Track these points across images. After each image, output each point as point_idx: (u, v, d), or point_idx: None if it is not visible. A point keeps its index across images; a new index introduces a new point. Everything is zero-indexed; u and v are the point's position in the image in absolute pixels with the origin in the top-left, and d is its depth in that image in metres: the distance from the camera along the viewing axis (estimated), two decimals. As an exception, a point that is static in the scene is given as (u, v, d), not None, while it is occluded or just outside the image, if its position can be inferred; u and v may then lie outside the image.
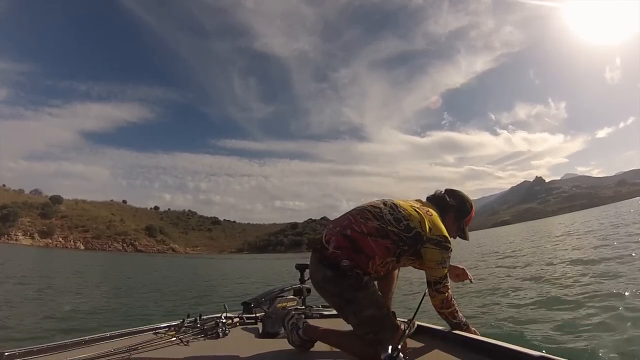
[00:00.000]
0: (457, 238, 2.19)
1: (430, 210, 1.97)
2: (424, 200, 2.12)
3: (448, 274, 1.99)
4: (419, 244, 1.85)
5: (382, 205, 1.91)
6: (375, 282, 2.22)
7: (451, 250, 1.93)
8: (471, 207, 2.19)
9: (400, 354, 1.44)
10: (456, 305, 2.06)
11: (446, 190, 2.19)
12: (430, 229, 1.86)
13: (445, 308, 2.02)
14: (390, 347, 1.47)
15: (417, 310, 1.84)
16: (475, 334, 2.04)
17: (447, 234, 1.91)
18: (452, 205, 2.11)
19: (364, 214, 1.88)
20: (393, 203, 1.93)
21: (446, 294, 1.98)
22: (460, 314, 2.07)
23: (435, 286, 1.95)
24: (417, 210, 1.91)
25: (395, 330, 1.77)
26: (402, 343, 1.57)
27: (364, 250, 1.78)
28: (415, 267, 2.16)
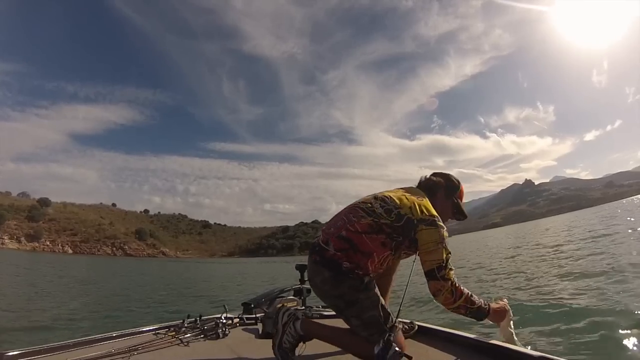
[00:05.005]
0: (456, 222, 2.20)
1: (420, 195, 1.96)
2: (415, 187, 2.12)
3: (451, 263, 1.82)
4: (412, 230, 1.80)
5: (372, 200, 1.91)
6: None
7: (446, 230, 1.85)
8: (458, 181, 2.16)
9: (394, 344, 1.48)
10: (465, 288, 1.82)
11: (432, 173, 2.21)
12: (421, 212, 1.83)
13: (458, 298, 1.77)
14: (381, 340, 1.49)
15: (400, 307, 1.84)
16: (501, 307, 1.97)
17: (438, 215, 1.86)
18: (440, 183, 2.10)
19: (356, 211, 1.88)
20: (384, 195, 1.93)
21: (452, 280, 1.76)
22: (476, 297, 1.84)
23: (440, 272, 1.74)
24: (407, 197, 1.91)
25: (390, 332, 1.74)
26: (394, 336, 1.59)
27: (361, 249, 1.77)
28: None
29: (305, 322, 1.95)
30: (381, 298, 1.84)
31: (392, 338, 1.49)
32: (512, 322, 2.01)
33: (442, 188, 2.09)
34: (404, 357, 1.49)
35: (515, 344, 1.89)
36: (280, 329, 1.96)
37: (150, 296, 12.12)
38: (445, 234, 1.82)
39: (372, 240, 1.78)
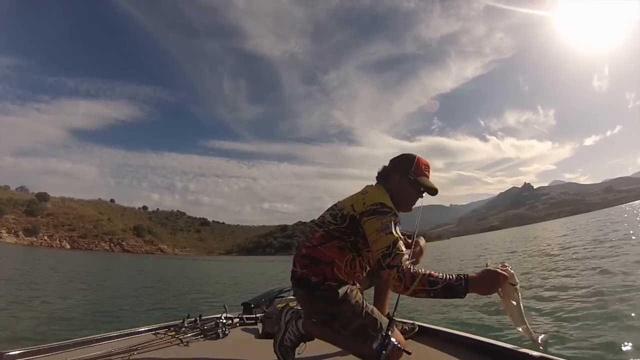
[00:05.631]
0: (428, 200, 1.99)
1: (368, 188, 1.90)
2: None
3: (401, 243, 1.67)
4: (358, 225, 1.76)
5: (325, 213, 1.94)
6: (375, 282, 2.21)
7: (394, 214, 1.74)
8: (412, 156, 1.96)
9: (392, 339, 1.48)
10: (422, 269, 1.61)
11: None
12: (363, 204, 1.77)
13: (409, 283, 1.55)
14: (379, 335, 1.49)
15: (396, 305, 1.79)
16: (489, 273, 1.61)
17: (383, 201, 1.76)
18: (391, 167, 1.98)
19: (312, 228, 1.94)
20: (335, 203, 1.95)
21: (400, 266, 1.58)
22: (438, 274, 1.59)
23: (385, 261, 1.61)
24: (353, 196, 1.88)
25: (387, 327, 1.68)
26: (392, 330, 1.57)
27: (321, 260, 1.80)
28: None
29: (308, 322, 1.94)
30: (367, 305, 1.81)
31: (390, 333, 1.50)
32: (518, 292, 1.67)
33: (393, 171, 1.96)
34: (403, 353, 1.51)
35: (524, 322, 1.65)
36: (283, 327, 1.97)
37: (148, 295, 12.07)
38: (390, 218, 1.71)
39: (328, 249, 1.81)
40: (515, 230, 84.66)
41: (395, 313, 1.78)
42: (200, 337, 2.45)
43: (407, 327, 2.33)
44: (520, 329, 1.67)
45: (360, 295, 1.85)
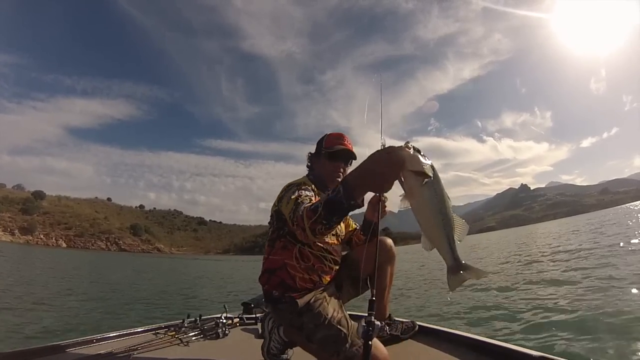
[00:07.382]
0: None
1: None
2: None
3: (303, 197, 1.62)
4: (282, 213, 1.74)
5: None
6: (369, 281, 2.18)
7: (298, 185, 1.79)
8: (324, 135, 2.05)
9: (377, 322, 1.41)
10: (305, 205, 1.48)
11: None
12: (279, 196, 1.84)
13: (303, 223, 1.33)
14: (363, 319, 1.46)
15: (374, 282, 1.69)
16: (366, 162, 1.12)
17: (290, 183, 1.86)
18: (311, 155, 2.08)
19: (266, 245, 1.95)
20: None
21: (303, 209, 1.39)
22: (320, 199, 1.46)
23: (294, 216, 1.46)
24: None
25: (355, 337, 1.60)
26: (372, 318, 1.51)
27: (275, 268, 1.80)
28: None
29: (287, 330, 1.91)
30: (333, 315, 1.71)
31: (372, 319, 1.46)
32: (434, 189, 1.13)
33: (313, 157, 2.07)
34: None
35: (442, 238, 1.20)
36: (267, 336, 2.00)
37: (148, 295, 12.02)
38: (293, 189, 1.72)
39: (276, 254, 1.82)
40: (511, 231, 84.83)
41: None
42: (200, 337, 2.45)
43: (406, 327, 2.34)
44: (432, 247, 1.18)
45: (326, 304, 1.74)
